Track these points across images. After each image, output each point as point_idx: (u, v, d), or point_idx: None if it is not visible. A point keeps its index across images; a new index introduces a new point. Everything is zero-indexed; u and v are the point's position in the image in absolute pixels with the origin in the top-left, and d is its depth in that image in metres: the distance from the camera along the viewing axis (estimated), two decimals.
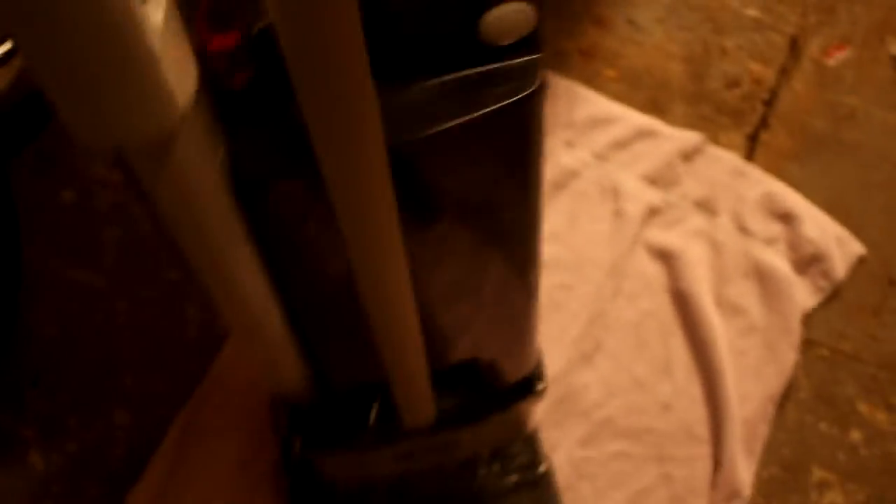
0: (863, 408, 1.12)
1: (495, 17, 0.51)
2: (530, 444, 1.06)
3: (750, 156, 1.24)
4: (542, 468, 1.05)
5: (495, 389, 0.85)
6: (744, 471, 1.08)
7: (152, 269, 1.23)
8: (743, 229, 1.20)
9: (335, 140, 0.45)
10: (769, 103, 1.27)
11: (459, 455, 0.99)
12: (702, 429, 1.11)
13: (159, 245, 1.24)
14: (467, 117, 0.52)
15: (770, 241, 1.19)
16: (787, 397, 1.13)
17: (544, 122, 0.55)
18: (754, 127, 1.26)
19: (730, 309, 1.16)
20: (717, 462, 1.10)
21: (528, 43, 0.52)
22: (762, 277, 1.17)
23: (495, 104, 0.52)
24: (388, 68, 0.47)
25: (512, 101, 0.52)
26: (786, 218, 1.20)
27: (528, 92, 0.52)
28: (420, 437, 0.85)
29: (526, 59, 0.52)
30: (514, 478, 1.04)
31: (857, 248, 1.19)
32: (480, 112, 0.52)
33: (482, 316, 0.72)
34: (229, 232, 0.53)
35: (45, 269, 1.23)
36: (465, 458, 1.01)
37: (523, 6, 0.51)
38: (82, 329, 1.21)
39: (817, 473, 1.10)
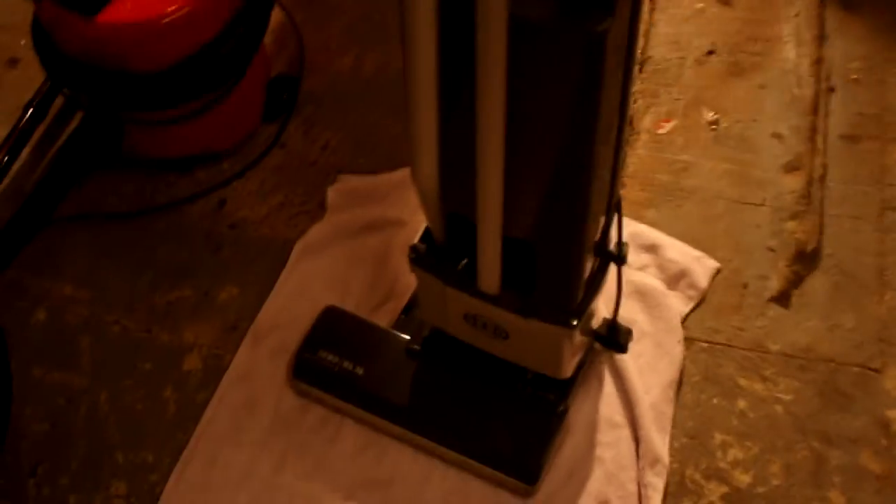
0: (743, 382, 1.37)
1: None
2: (562, 386, 1.30)
3: None
4: (560, 407, 1.29)
5: (543, 299, 1.14)
6: (659, 442, 1.30)
7: (127, 363, 1.40)
8: None
9: None
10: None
11: (508, 354, 1.25)
12: (619, 417, 1.34)
13: (131, 344, 1.41)
14: None
15: (643, 267, 1.46)
16: (682, 383, 1.37)
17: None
18: None
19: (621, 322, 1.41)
20: (637, 440, 1.31)
21: None
22: (643, 295, 1.43)
23: None
24: None
25: None
26: (651, 248, 1.47)
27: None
28: (484, 302, 1.15)
29: None
30: (535, 399, 1.30)
31: (712, 263, 1.46)
32: None
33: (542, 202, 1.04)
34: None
35: (29, 377, 1.38)
36: (512, 366, 1.27)
37: None
38: (70, 421, 1.35)
39: (718, 437, 1.32)
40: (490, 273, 1.13)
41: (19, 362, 1.38)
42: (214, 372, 1.38)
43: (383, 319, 1.40)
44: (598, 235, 1.14)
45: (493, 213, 1.03)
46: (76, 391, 1.37)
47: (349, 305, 1.41)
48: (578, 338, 1.21)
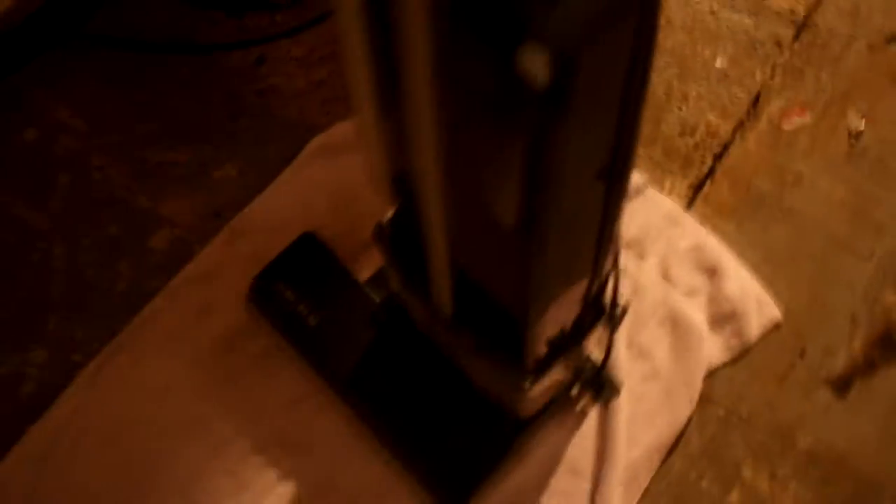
0: (747, 472, 1.13)
1: None
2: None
3: (690, 205, 1.26)
4: (516, 436, 1.11)
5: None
6: None
7: (95, 220, 1.27)
8: (667, 277, 1.22)
9: None
10: (719, 157, 1.28)
11: (464, 368, 1.07)
12: (586, 465, 1.14)
13: (106, 198, 1.28)
14: None
15: (691, 293, 1.21)
16: (675, 449, 1.14)
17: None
18: (700, 178, 1.27)
19: (638, 352, 1.18)
20: (593, 500, 1.12)
21: None
22: (676, 327, 1.19)
23: None
24: None
25: None
26: (711, 272, 1.21)
27: None
28: (436, 318, 0.95)
29: None
30: (492, 416, 1.10)
31: (775, 313, 1.20)
32: None
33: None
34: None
35: None
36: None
37: None
38: (17, 266, 1.25)
39: None
40: (441, 294, 0.92)
41: None
42: (178, 259, 1.24)
43: (374, 258, 1.21)
44: (587, 288, 0.91)
45: (438, 242, 0.82)
46: (33, 234, 1.26)
47: (344, 226, 1.23)
48: (542, 388, 1.01)
